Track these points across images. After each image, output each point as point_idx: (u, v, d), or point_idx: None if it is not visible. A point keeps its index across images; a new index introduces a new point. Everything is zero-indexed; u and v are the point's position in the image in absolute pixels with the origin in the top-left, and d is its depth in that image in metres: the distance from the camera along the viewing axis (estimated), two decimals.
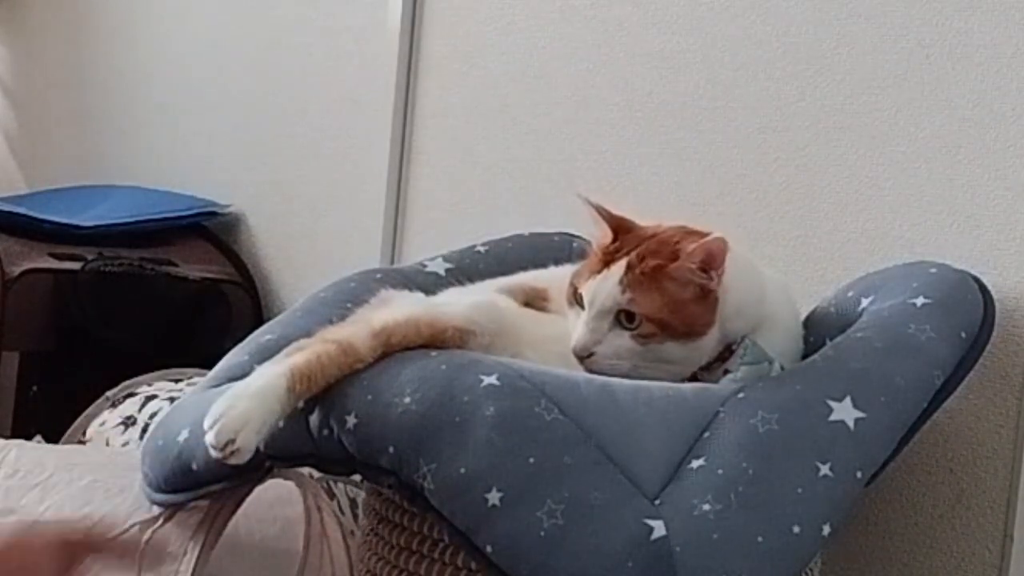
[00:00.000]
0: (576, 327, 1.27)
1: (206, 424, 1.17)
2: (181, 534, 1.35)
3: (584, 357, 1.25)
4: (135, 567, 1.36)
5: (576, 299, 1.28)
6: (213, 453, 1.17)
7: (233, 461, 1.17)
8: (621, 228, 1.31)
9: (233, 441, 1.16)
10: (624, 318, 1.25)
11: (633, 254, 1.26)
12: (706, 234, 1.26)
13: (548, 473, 1.12)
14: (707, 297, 1.25)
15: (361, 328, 1.24)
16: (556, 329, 1.30)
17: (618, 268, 1.26)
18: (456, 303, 1.30)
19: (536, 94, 1.89)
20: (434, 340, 1.24)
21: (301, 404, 1.21)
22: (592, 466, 1.13)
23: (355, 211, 2.15)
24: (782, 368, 1.27)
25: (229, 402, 1.18)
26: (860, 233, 1.50)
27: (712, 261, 1.23)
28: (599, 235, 1.31)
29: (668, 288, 1.24)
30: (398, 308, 1.29)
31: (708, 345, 1.26)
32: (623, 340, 1.25)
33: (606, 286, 1.25)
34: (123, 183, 2.60)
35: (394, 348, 1.22)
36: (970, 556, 1.40)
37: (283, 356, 1.23)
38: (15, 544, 1.40)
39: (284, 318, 1.45)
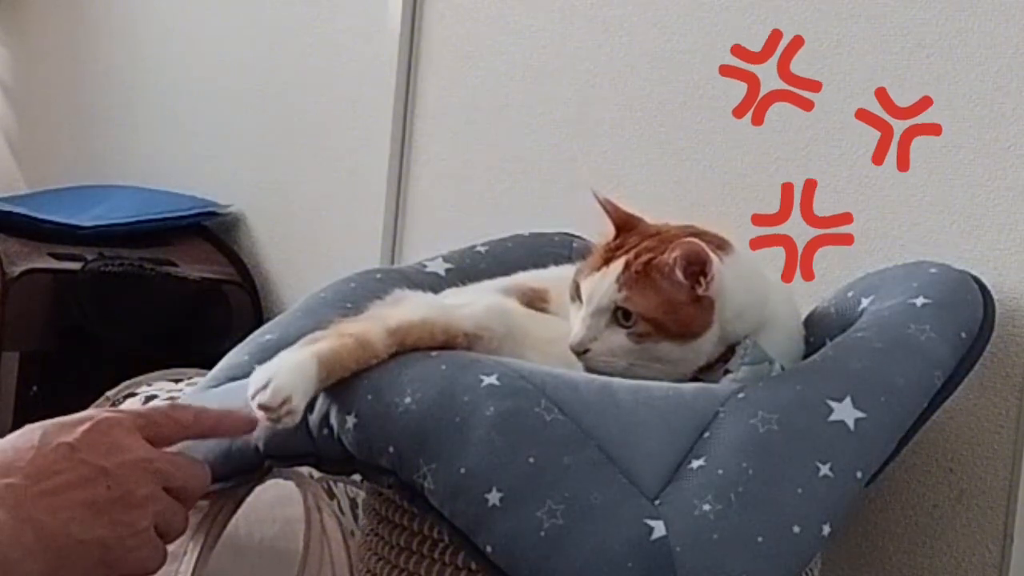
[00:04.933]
0: (574, 323, 1.27)
1: (252, 389, 1.16)
2: None
3: (580, 353, 1.25)
4: None
5: (577, 295, 1.29)
6: (265, 415, 1.15)
7: (286, 423, 1.15)
8: (625, 225, 1.31)
9: (289, 399, 1.14)
10: (621, 316, 1.25)
11: (632, 252, 1.26)
12: (714, 235, 1.26)
13: (548, 473, 1.12)
14: (702, 299, 1.25)
15: (377, 324, 1.23)
16: (556, 331, 1.30)
17: (616, 266, 1.26)
18: (469, 306, 1.29)
19: (536, 94, 1.89)
20: (446, 345, 1.24)
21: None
22: (592, 466, 1.13)
23: (355, 211, 2.15)
24: (783, 368, 1.27)
25: (271, 371, 1.16)
26: (860, 233, 1.50)
27: (693, 263, 1.23)
28: (606, 231, 1.31)
29: (663, 287, 1.24)
30: (413, 309, 1.28)
31: (705, 346, 1.26)
32: (619, 338, 1.25)
33: (604, 283, 1.26)
34: (123, 183, 2.60)
35: (407, 348, 1.22)
36: (970, 556, 1.40)
37: (302, 345, 1.22)
38: None
39: (284, 318, 1.45)
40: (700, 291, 1.24)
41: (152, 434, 1.16)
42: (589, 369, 1.25)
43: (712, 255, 1.23)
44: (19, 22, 3.03)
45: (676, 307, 1.24)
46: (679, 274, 1.23)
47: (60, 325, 2.15)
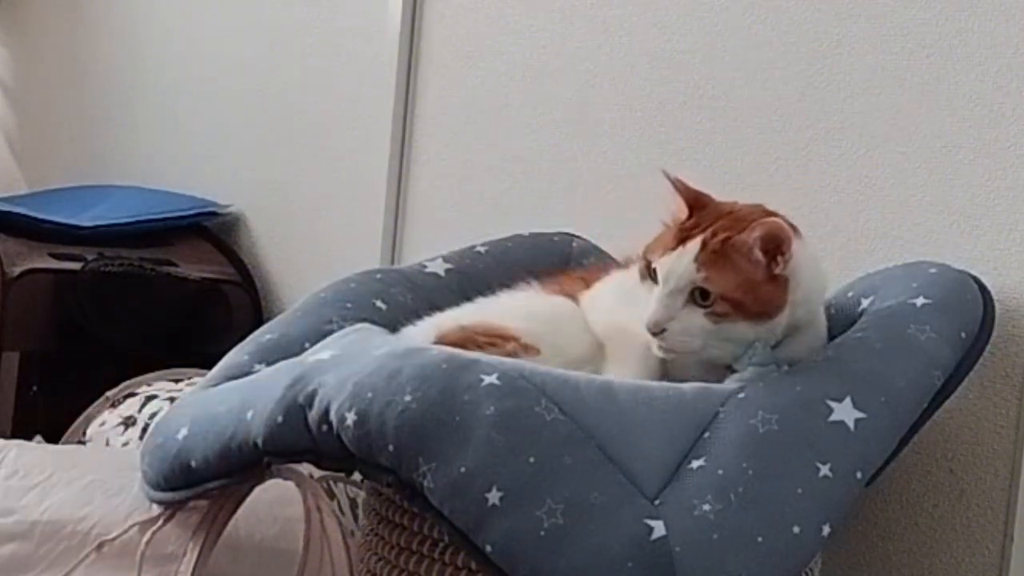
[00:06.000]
0: (649, 303, 1.25)
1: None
2: (181, 534, 1.35)
3: (656, 333, 1.24)
4: (135, 567, 1.36)
5: (650, 273, 1.27)
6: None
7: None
8: (698, 204, 1.29)
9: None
10: (699, 295, 1.24)
11: (709, 231, 1.25)
12: (784, 217, 1.26)
13: (548, 473, 1.12)
14: (778, 278, 1.24)
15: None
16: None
17: (693, 245, 1.25)
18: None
19: (536, 94, 1.89)
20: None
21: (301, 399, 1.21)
22: (592, 466, 1.13)
23: (355, 211, 2.15)
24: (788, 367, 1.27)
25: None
26: (860, 233, 1.50)
27: (773, 241, 1.22)
28: (674, 209, 1.30)
29: (741, 266, 1.23)
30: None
31: (779, 327, 1.25)
32: (696, 318, 1.24)
33: (682, 263, 1.24)
34: (123, 183, 2.60)
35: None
36: (970, 556, 1.40)
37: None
38: None
39: (284, 318, 1.45)
40: (777, 270, 1.23)
41: None
42: (663, 350, 1.24)
43: (793, 234, 1.23)
44: (19, 22, 3.03)
45: (754, 286, 1.23)
46: (758, 253, 1.23)
47: (60, 325, 2.15)
